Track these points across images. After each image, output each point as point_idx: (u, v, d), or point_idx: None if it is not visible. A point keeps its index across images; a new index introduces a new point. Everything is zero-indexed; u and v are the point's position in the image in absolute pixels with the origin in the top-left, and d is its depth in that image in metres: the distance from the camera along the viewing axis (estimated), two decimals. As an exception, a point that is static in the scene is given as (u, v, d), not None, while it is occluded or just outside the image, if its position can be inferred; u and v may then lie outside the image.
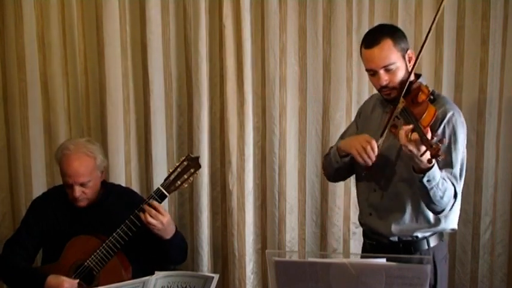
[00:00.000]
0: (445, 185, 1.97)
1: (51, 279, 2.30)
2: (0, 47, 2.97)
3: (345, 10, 2.86)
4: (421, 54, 2.13)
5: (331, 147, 2.38)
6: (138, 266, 2.46)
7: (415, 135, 1.83)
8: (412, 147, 1.84)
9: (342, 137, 2.40)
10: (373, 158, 2.04)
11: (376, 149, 2.03)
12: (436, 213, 2.09)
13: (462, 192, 2.87)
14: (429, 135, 1.83)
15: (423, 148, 1.82)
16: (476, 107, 2.84)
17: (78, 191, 2.38)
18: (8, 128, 3.03)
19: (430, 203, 2.01)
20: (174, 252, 2.42)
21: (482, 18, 2.79)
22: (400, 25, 2.80)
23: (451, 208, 2.07)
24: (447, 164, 2.03)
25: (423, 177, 1.90)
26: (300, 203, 3.02)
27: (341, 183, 2.85)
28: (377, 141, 2.05)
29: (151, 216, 2.28)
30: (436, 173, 1.92)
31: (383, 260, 1.72)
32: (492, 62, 2.81)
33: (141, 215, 2.29)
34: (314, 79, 2.94)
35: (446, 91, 2.84)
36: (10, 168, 3.05)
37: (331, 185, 2.94)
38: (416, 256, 2.11)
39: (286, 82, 2.93)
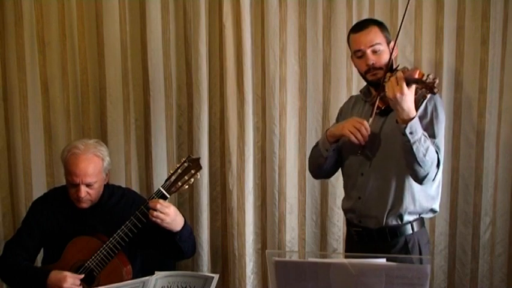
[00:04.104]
0: (428, 143, 2.08)
1: (54, 274, 2.31)
2: (0, 47, 2.98)
3: (345, 10, 2.86)
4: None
5: (317, 141, 2.47)
6: (138, 266, 2.47)
7: (399, 74, 2.01)
8: (396, 86, 1.99)
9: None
10: (366, 137, 2.17)
11: (368, 128, 2.17)
12: (420, 179, 2.15)
13: (462, 192, 2.90)
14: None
15: (413, 87, 1.99)
16: (476, 107, 2.84)
17: (83, 191, 2.38)
18: (8, 128, 3.03)
19: (415, 162, 2.08)
20: (187, 244, 2.42)
21: (482, 18, 2.79)
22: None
23: (434, 177, 2.16)
24: (430, 135, 2.15)
25: (406, 127, 2.01)
26: (300, 203, 3.02)
27: (341, 183, 2.84)
28: (368, 121, 2.19)
29: (155, 210, 2.27)
30: (417, 126, 2.04)
31: (383, 260, 1.72)
32: (492, 62, 2.81)
33: (149, 212, 2.28)
34: (314, 79, 2.94)
35: (446, 91, 2.84)
36: (10, 168, 3.05)
37: (331, 185, 2.95)
38: (417, 256, 2.18)
39: (286, 82, 2.93)
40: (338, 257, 2.93)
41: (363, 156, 2.26)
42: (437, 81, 1.98)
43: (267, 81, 2.93)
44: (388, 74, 2.16)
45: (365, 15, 2.85)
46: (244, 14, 2.87)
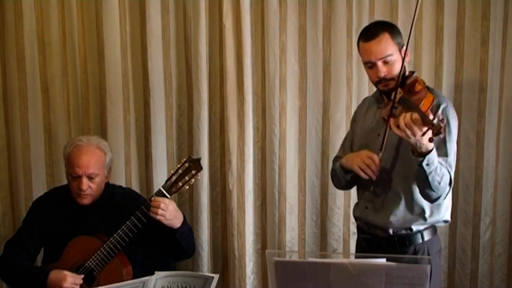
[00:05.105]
0: (443, 171, 2.04)
1: (54, 274, 2.31)
2: (0, 47, 2.98)
3: (345, 10, 2.86)
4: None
5: (334, 158, 2.46)
6: (138, 266, 2.47)
7: (415, 116, 1.89)
8: (415, 128, 1.89)
9: (343, 145, 2.49)
10: (376, 172, 2.11)
11: (378, 163, 2.11)
12: (432, 200, 2.13)
13: (462, 193, 2.90)
14: (431, 116, 1.87)
15: (424, 128, 1.87)
16: (476, 107, 2.84)
17: (85, 183, 2.38)
18: (8, 128, 3.03)
19: (428, 189, 2.05)
20: (187, 242, 2.43)
21: (482, 18, 2.79)
22: (400, 25, 2.79)
23: (445, 196, 2.12)
24: (442, 154, 2.10)
25: (423, 160, 1.95)
26: (300, 203, 3.02)
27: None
28: (378, 155, 2.12)
29: (158, 208, 2.28)
30: (434, 157, 1.98)
31: (383, 260, 1.72)
32: (492, 62, 2.80)
33: (150, 211, 2.29)
34: (314, 79, 2.94)
35: (446, 91, 2.83)
36: (10, 168, 3.05)
37: (331, 185, 2.93)
38: (417, 256, 2.15)
39: (286, 82, 2.93)
40: (338, 257, 2.93)
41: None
42: (444, 122, 1.90)
43: (267, 81, 2.93)
44: (399, 91, 2.07)
45: (365, 15, 2.85)
46: (244, 14, 2.87)
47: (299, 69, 2.94)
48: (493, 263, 2.93)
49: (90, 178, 2.39)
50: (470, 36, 2.82)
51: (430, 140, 1.88)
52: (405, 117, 1.92)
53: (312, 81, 2.94)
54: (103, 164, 2.44)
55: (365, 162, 2.12)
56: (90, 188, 2.40)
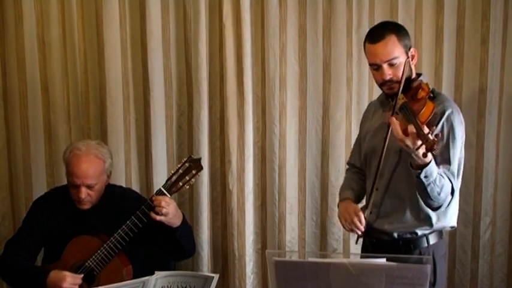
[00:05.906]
0: (443, 181, 2.01)
1: (53, 274, 2.31)
2: (0, 47, 2.98)
3: (345, 10, 2.86)
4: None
5: (347, 165, 2.47)
6: (139, 266, 2.47)
7: (411, 129, 1.88)
8: (408, 141, 1.89)
9: (352, 151, 2.50)
10: (361, 229, 2.16)
11: (363, 221, 2.15)
12: (433, 209, 2.12)
13: (462, 193, 2.89)
14: (426, 130, 1.86)
15: (419, 142, 1.86)
16: (476, 107, 2.84)
17: (84, 192, 2.38)
18: (8, 128, 3.03)
19: (428, 198, 2.05)
20: (187, 241, 2.44)
21: (482, 18, 2.79)
22: (400, 25, 2.81)
23: (448, 205, 2.11)
24: (445, 161, 2.07)
25: (420, 173, 1.94)
26: (300, 203, 3.02)
27: (341, 183, 2.84)
28: (364, 213, 2.16)
29: (160, 207, 2.29)
30: (433, 169, 1.96)
31: (383, 260, 1.72)
32: (492, 62, 2.81)
33: (155, 210, 2.30)
34: (314, 79, 2.94)
35: (446, 91, 2.83)
36: (10, 168, 3.05)
37: (331, 185, 2.95)
38: (416, 256, 2.14)
39: (286, 82, 2.93)
40: (338, 257, 2.93)
41: (380, 169, 2.17)
42: (439, 138, 1.92)
43: (267, 81, 2.93)
44: (402, 97, 2.05)
45: (365, 15, 2.85)
46: (244, 14, 2.87)
47: (299, 69, 2.94)
48: (493, 263, 2.93)
49: (88, 187, 2.39)
50: (470, 36, 2.82)
51: (424, 155, 1.87)
52: (397, 131, 1.92)
53: (312, 81, 2.94)
54: (102, 172, 2.44)
55: (351, 217, 2.17)
56: (89, 196, 2.41)
